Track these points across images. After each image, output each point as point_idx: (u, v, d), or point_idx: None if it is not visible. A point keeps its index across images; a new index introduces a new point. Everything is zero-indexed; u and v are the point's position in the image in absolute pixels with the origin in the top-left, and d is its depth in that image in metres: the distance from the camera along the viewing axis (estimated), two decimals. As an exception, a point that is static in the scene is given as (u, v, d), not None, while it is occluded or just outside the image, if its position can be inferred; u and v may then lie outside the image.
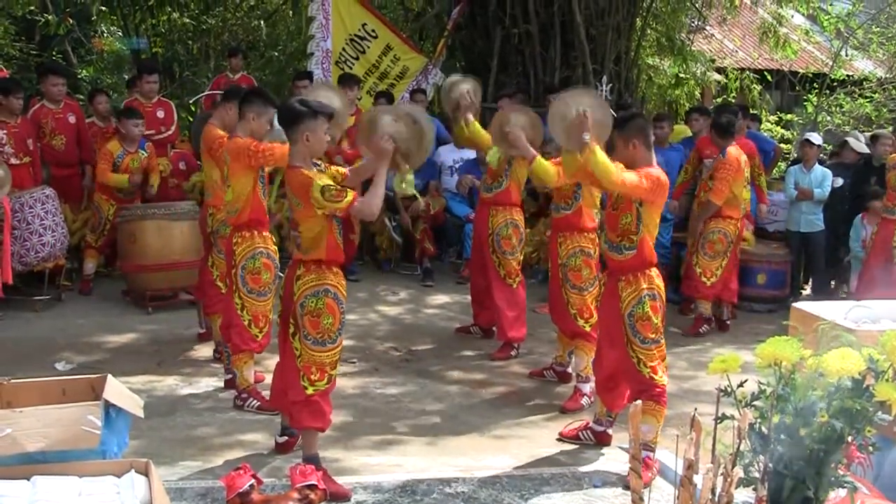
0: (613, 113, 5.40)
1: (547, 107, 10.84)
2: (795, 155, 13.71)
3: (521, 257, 7.35)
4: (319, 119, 4.67)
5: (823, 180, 9.48)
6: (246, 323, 5.78)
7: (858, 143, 10.39)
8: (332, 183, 4.56)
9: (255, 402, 5.89)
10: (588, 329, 6.14)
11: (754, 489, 3.01)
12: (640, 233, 4.97)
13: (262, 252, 5.77)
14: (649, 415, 4.88)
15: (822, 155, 10.78)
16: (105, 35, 17.44)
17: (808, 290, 10.16)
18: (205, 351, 7.12)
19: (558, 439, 5.57)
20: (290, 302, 4.78)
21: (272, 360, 6.72)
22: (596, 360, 5.54)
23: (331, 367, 4.75)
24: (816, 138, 9.99)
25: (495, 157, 7.04)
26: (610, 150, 5.08)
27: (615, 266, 5.14)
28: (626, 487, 4.56)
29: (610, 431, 5.48)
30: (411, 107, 5.14)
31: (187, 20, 13.97)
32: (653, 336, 5.02)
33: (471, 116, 7.12)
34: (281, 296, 4.94)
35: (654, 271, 5.08)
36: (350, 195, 4.55)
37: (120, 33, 16.54)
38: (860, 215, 9.30)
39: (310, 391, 4.71)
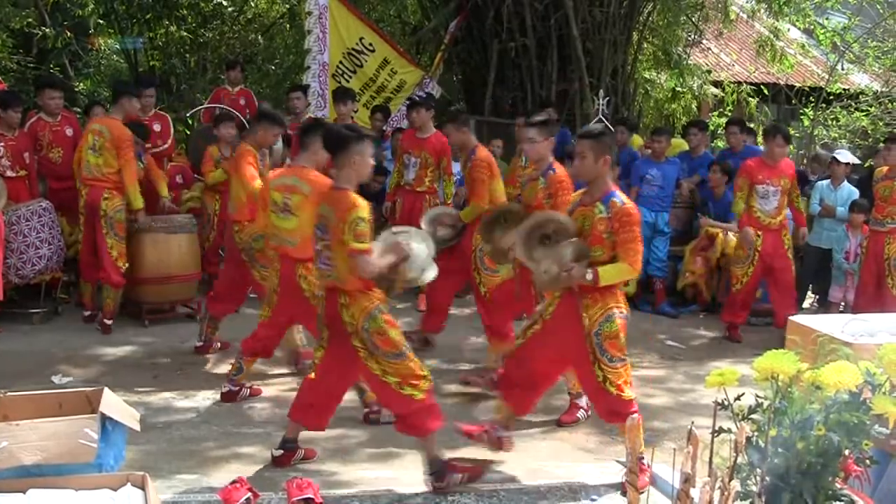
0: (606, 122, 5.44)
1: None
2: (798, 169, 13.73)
3: (504, 276, 7.28)
4: (366, 142, 4.80)
5: (849, 198, 9.49)
6: None
7: (850, 157, 10.41)
8: (366, 221, 4.64)
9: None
10: None
11: (752, 503, 3.01)
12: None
13: None
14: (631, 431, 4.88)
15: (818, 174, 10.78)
16: (101, 46, 17.48)
17: (806, 304, 10.16)
18: (201, 364, 7.12)
19: (457, 432, 5.42)
20: (339, 328, 4.82)
21: (273, 375, 6.73)
22: (515, 361, 5.32)
23: (420, 369, 4.84)
24: (845, 156, 9.93)
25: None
26: (573, 157, 5.12)
27: (577, 287, 4.99)
28: (623, 494, 4.58)
29: (509, 437, 5.39)
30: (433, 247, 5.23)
31: (185, 33, 13.97)
32: (619, 354, 4.96)
33: None
34: (323, 321, 4.97)
35: (620, 289, 5.05)
36: (367, 244, 4.64)
37: (118, 46, 16.57)
38: (843, 226, 9.32)
39: (420, 396, 4.78)
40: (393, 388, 4.78)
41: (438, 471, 4.84)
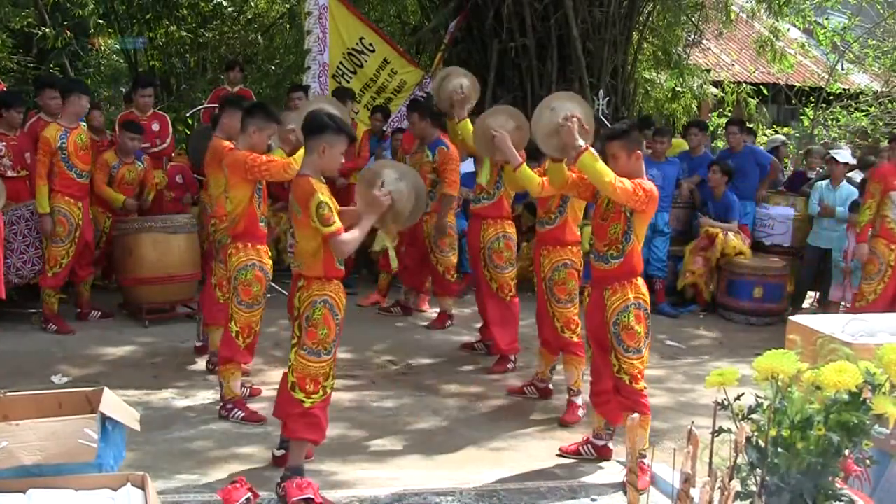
0: (606, 122, 5.45)
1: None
2: (793, 169, 13.74)
3: (515, 271, 7.26)
4: (341, 137, 4.71)
5: (848, 198, 9.41)
6: (233, 334, 5.80)
7: (849, 157, 10.40)
8: (330, 203, 4.59)
9: (239, 413, 5.90)
10: (575, 339, 6.11)
11: (752, 503, 3.01)
12: (630, 242, 4.97)
13: (254, 264, 5.81)
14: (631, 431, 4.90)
15: (818, 168, 10.79)
16: (101, 46, 17.48)
17: (806, 304, 10.16)
18: (202, 364, 7.11)
19: (558, 455, 5.55)
20: (295, 315, 4.81)
21: (271, 375, 6.73)
22: (595, 373, 5.45)
23: (324, 378, 4.73)
24: (843, 156, 9.84)
25: (485, 175, 7.02)
26: (604, 160, 5.07)
27: (601, 275, 5.11)
28: (624, 492, 4.59)
29: (611, 445, 5.47)
30: (411, 171, 5.17)
31: (184, 33, 13.96)
32: (635, 345, 5.02)
33: (464, 112, 7.29)
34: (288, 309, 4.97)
35: (640, 280, 5.09)
36: (336, 225, 4.58)
37: (118, 46, 16.57)
38: (843, 227, 9.30)
39: (307, 404, 4.70)
40: (286, 385, 4.75)
41: (291, 477, 4.68)
